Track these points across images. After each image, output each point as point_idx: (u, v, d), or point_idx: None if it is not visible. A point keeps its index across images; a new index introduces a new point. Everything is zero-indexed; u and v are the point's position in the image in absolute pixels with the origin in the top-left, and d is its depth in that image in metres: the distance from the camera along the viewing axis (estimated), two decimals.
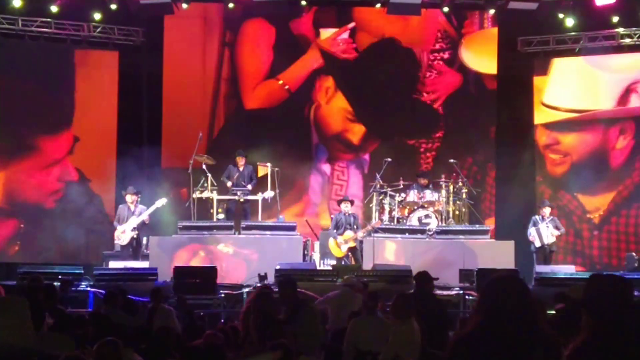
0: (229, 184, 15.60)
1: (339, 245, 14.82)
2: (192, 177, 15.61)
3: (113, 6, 16.79)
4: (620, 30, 17.16)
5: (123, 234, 14.88)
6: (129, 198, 15.10)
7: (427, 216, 15.56)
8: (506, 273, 4.17)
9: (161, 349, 6.20)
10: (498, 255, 14.51)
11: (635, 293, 12.49)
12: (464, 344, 3.34)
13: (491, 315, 3.32)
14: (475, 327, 3.35)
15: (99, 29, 17.39)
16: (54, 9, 16.64)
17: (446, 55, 18.37)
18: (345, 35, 18.39)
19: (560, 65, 17.89)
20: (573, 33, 17.49)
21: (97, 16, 17.07)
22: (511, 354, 3.26)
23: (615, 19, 16.88)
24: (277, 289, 8.55)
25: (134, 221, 14.91)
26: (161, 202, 15.44)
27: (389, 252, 14.62)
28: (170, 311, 9.31)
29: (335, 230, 15.02)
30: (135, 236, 14.94)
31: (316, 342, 7.56)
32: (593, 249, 17.37)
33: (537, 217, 15.27)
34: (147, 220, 15.13)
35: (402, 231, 15.13)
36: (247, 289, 12.78)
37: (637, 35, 17.12)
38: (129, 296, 10.16)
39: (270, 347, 5.84)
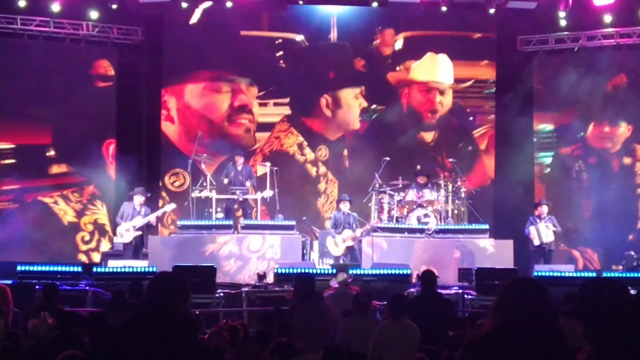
0: (226, 181, 15.56)
1: (337, 244, 14.84)
2: (191, 176, 15.60)
3: (114, 6, 16.77)
4: (619, 29, 17.16)
5: (127, 232, 14.63)
6: (138, 199, 14.82)
7: (426, 215, 15.52)
8: (526, 276, 4.05)
9: None
10: (497, 254, 14.51)
11: (633, 292, 12.58)
12: (480, 344, 3.25)
13: (511, 318, 3.23)
14: (492, 328, 3.26)
15: (97, 28, 17.39)
16: (53, 8, 16.62)
17: None
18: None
19: None
20: (567, 32, 17.52)
21: (96, 15, 17.06)
22: (529, 357, 3.18)
23: (614, 18, 16.89)
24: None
25: (140, 221, 14.67)
26: (170, 206, 15.45)
27: (388, 252, 14.59)
28: None
29: (333, 229, 15.04)
30: (138, 236, 14.77)
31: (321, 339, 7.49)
32: None
33: (534, 216, 15.20)
34: (154, 222, 15.05)
35: (401, 230, 15.11)
36: (245, 288, 12.78)
37: (636, 34, 17.12)
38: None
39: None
